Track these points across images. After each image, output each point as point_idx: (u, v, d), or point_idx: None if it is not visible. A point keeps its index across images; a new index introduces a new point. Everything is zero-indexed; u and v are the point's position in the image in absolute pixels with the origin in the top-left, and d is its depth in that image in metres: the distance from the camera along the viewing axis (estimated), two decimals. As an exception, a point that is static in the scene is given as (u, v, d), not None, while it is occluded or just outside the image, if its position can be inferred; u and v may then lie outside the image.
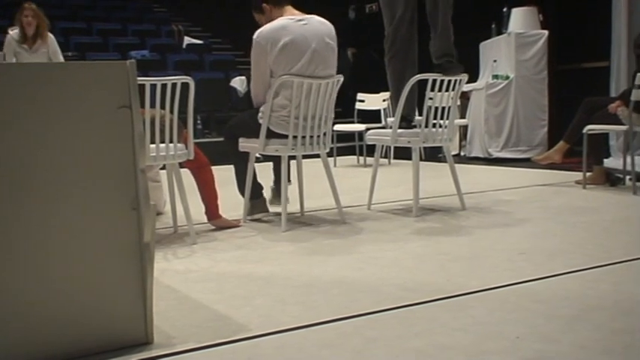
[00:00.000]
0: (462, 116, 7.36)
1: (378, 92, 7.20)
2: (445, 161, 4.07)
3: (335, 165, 7.00)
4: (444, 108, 3.78)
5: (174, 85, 3.10)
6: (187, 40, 10.91)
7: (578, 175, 4.93)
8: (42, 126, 1.67)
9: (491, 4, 7.56)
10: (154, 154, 3.11)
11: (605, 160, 4.98)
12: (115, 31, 10.94)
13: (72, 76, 1.70)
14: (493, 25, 7.39)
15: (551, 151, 5.07)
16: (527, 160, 6.44)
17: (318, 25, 3.53)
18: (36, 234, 1.67)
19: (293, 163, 4.01)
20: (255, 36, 3.44)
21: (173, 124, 3.15)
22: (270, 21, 3.50)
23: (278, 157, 3.73)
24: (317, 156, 3.71)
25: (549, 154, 5.09)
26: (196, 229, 3.45)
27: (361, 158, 7.35)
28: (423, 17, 3.95)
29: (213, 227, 3.58)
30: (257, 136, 3.50)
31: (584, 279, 2.37)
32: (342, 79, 3.62)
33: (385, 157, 7.19)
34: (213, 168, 3.54)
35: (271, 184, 4.02)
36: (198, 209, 3.52)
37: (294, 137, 3.46)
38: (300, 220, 3.78)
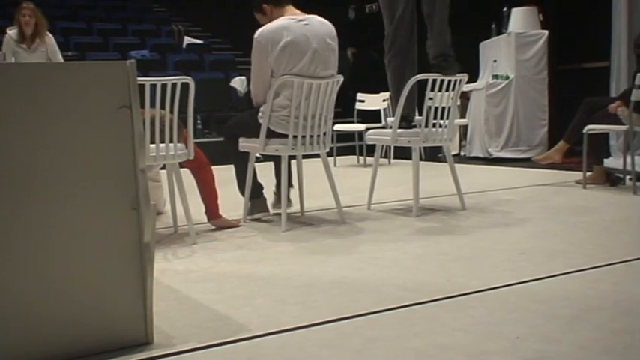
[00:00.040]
0: (462, 116, 7.36)
1: (378, 92, 7.20)
2: (445, 161, 4.07)
3: (335, 165, 7.00)
4: (444, 108, 3.78)
5: (174, 85, 3.10)
6: (187, 40, 10.92)
7: (578, 175, 4.93)
8: (42, 126, 1.67)
9: (491, 4, 7.56)
10: (153, 154, 3.11)
11: (605, 160, 4.98)
12: (115, 31, 10.94)
13: (72, 76, 1.70)
14: (493, 25, 7.39)
15: (551, 151, 5.07)
16: (527, 160, 6.44)
17: (319, 26, 3.52)
18: (36, 234, 1.67)
19: (294, 165, 3.99)
20: (256, 35, 3.44)
21: (173, 124, 3.15)
22: (271, 21, 3.50)
23: (278, 157, 3.72)
24: (317, 156, 3.71)
25: (549, 154, 5.09)
26: (196, 229, 3.45)
27: (361, 158, 7.35)
28: (423, 17, 3.95)
29: (213, 227, 3.58)
30: (257, 136, 3.50)
31: (584, 279, 2.37)
32: (342, 78, 3.62)
33: (385, 157, 7.19)
34: (213, 168, 3.54)
35: (273, 188, 3.98)
36: (198, 209, 3.52)
37: (294, 137, 3.46)
38: (300, 220, 3.78)
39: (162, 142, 3.13)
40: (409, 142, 3.79)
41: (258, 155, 3.70)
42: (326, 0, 6.49)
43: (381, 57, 4.16)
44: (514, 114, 6.85)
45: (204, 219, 3.57)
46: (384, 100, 7.15)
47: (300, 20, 3.49)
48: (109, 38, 10.34)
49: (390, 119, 6.12)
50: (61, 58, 5.75)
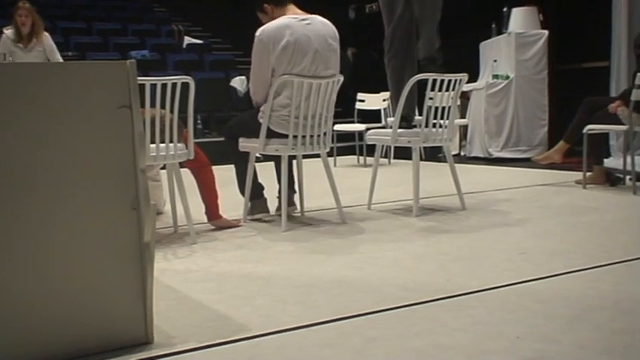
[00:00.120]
0: (462, 116, 7.36)
1: (378, 92, 7.20)
2: (445, 161, 4.07)
3: (335, 165, 7.00)
4: (444, 108, 3.78)
5: (174, 85, 3.10)
6: (187, 40, 10.92)
7: (578, 175, 4.93)
8: (42, 126, 1.67)
9: (491, 4, 7.56)
10: (154, 154, 3.11)
11: (605, 160, 4.98)
12: (115, 31, 10.94)
13: (72, 75, 1.70)
14: (493, 25, 7.39)
15: (552, 151, 5.07)
16: (528, 160, 6.44)
17: (321, 26, 3.52)
18: (36, 234, 1.67)
19: (295, 165, 3.98)
20: (257, 33, 3.42)
21: (173, 124, 3.15)
22: (272, 20, 3.50)
23: (279, 157, 3.72)
24: (317, 156, 3.71)
25: (549, 154, 5.09)
26: (196, 229, 3.45)
27: (361, 158, 7.35)
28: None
29: (213, 227, 3.58)
30: (257, 135, 3.49)
31: (584, 279, 2.37)
32: (342, 78, 3.62)
33: (385, 157, 7.19)
34: (214, 168, 3.54)
35: (277, 193, 3.91)
36: (198, 209, 3.52)
37: (295, 137, 3.46)
38: (300, 220, 3.77)
39: (163, 141, 3.13)
40: (409, 142, 3.79)
41: (258, 155, 3.70)
42: (326, 0, 6.49)
43: (381, 57, 4.16)
44: (514, 114, 6.85)
45: (204, 219, 3.57)
46: (384, 100, 7.16)
47: (303, 20, 3.48)
48: (109, 38, 10.34)
49: (390, 119, 6.12)
50: (59, 57, 5.75)
